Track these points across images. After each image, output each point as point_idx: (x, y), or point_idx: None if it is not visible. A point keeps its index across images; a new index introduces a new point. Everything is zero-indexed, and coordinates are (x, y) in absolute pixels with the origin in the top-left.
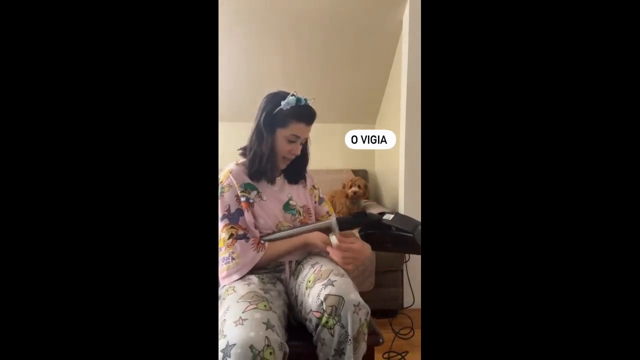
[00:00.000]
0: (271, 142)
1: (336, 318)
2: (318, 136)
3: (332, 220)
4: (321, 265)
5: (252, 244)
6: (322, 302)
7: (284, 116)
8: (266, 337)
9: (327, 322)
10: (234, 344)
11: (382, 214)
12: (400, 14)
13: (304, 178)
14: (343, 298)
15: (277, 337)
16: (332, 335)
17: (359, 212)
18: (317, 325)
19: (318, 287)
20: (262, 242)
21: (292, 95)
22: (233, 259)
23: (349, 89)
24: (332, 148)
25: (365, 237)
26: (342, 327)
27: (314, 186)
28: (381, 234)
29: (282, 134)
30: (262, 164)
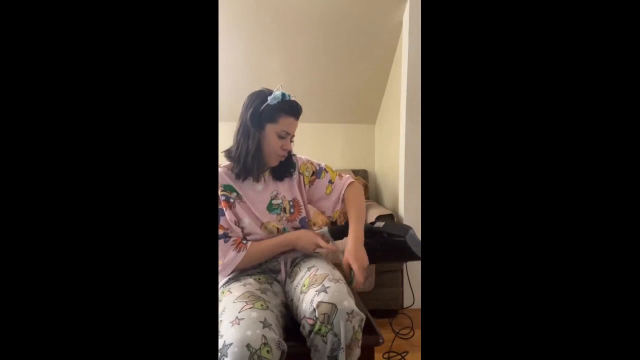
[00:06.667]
0: (259, 138)
1: (329, 326)
2: (318, 136)
3: (325, 230)
4: (317, 269)
5: (232, 244)
6: (314, 310)
7: (273, 111)
8: (263, 335)
9: (319, 329)
10: (231, 343)
11: (373, 223)
12: (400, 14)
13: (291, 174)
14: (336, 306)
15: (275, 335)
16: (325, 343)
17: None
18: (310, 332)
19: (312, 293)
20: (244, 242)
21: (278, 89)
22: None
23: (349, 89)
24: (332, 148)
25: None
26: (335, 335)
27: (299, 171)
28: (373, 242)
29: (273, 129)
30: (247, 162)
